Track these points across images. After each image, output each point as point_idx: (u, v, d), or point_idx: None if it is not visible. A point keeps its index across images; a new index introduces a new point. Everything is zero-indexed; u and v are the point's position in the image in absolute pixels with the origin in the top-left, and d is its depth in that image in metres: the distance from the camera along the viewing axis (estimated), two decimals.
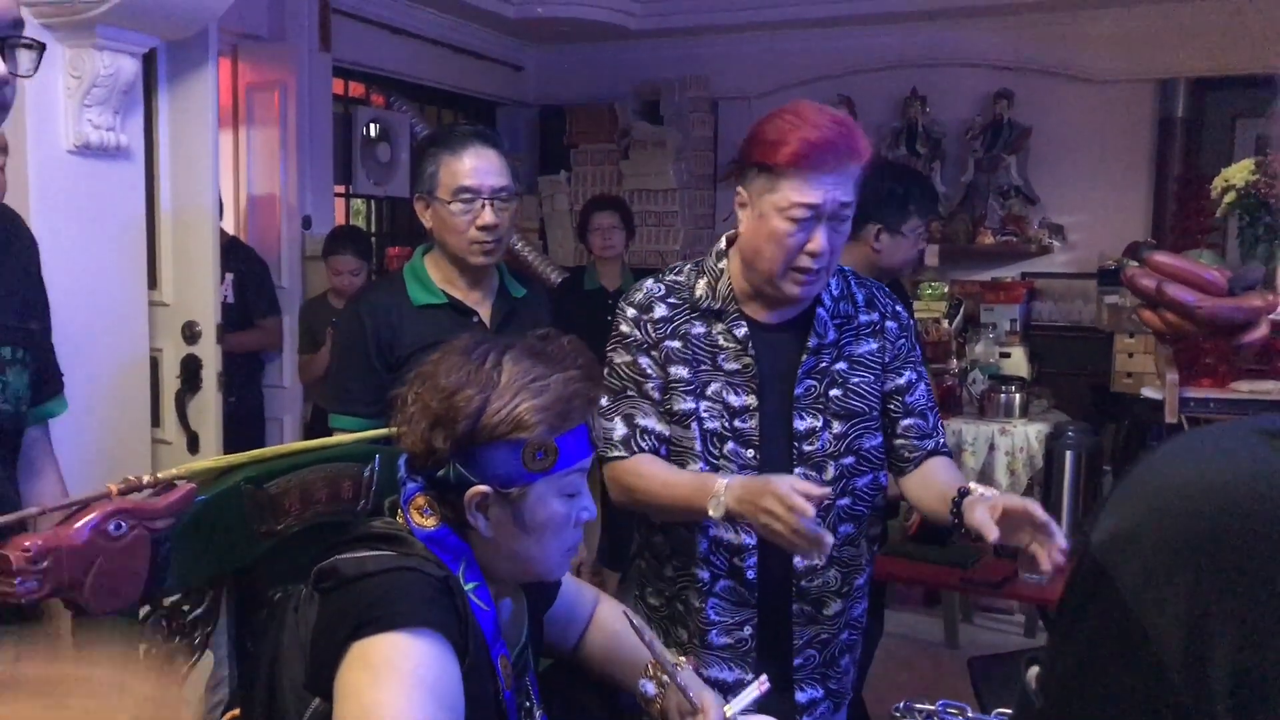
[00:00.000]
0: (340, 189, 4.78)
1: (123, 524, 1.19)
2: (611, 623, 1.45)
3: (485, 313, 2.10)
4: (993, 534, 1.43)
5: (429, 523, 1.20)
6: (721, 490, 1.51)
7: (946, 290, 4.85)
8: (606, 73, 5.53)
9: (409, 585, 1.13)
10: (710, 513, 1.51)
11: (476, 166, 2.04)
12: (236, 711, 1.25)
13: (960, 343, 4.66)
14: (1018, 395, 4.27)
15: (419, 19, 4.84)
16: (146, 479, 1.25)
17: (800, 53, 5.16)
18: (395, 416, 1.23)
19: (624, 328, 1.69)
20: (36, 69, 1.42)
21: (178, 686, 1.09)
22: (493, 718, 1.20)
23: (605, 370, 1.68)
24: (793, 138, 1.53)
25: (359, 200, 5.30)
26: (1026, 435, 4.12)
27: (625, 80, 5.47)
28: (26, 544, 1.11)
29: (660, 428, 1.63)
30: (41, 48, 1.40)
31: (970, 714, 1.44)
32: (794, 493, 1.41)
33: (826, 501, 1.52)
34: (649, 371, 1.65)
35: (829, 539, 1.44)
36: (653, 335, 1.66)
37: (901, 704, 1.45)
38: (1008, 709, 1.45)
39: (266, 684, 1.19)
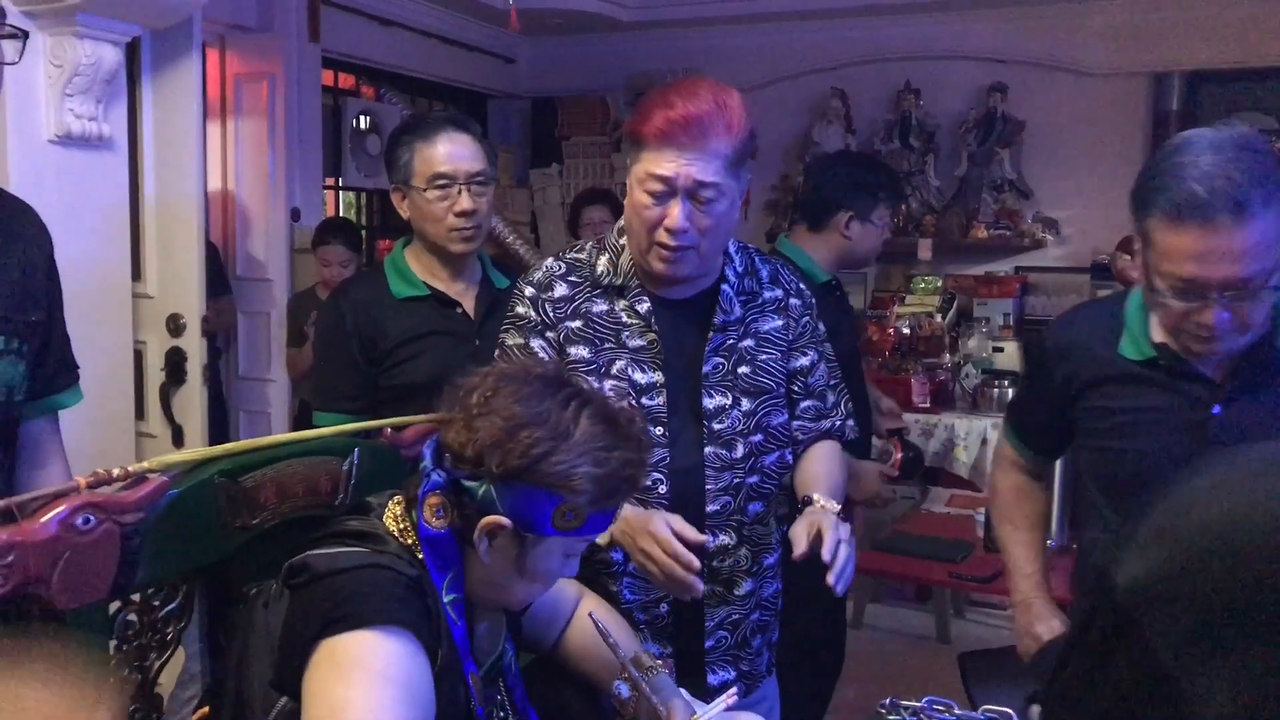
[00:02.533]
0: (330, 181, 4.75)
1: (91, 518, 1.16)
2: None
3: (469, 304, 2.07)
4: (799, 549, 1.48)
5: (438, 524, 1.17)
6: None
7: (940, 284, 4.84)
8: (598, 64, 5.50)
9: (380, 583, 1.10)
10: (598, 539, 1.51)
11: (451, 152, 2.00)
12: (206, 710, 1.23)
13: (953, 337, 4.64)
14: (1011, 390, 4.25)
15: (409, 9, 4.80)
16: (116, 472, 1.22)
17: (793, 45, 5.13)
18: (452, 404, 1.19)
19: (520, 309, 1.66)
20: (21, 57, 1.40)
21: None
22: None
23: (497, 352, 1.67)
24: (656, 112, 1.53)
25: (349, 193, 5.27)
26: None
27: (617, 72, 5.43)
28: None
29: None
30: (25, 36, 1.39)
31: (957, 710, 1.42)
32: (671, 538, 1.45)
33: (704, 544, 1.53)
34: (541, 355, 1.62)
35: (699, 586, 1.48)
36: (551, 316, 1.64)
37: (888, 700, 1.43)
38: (997, 707, 1.44)
39: (235, 682, 1.16)
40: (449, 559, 1.18)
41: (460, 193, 1.99)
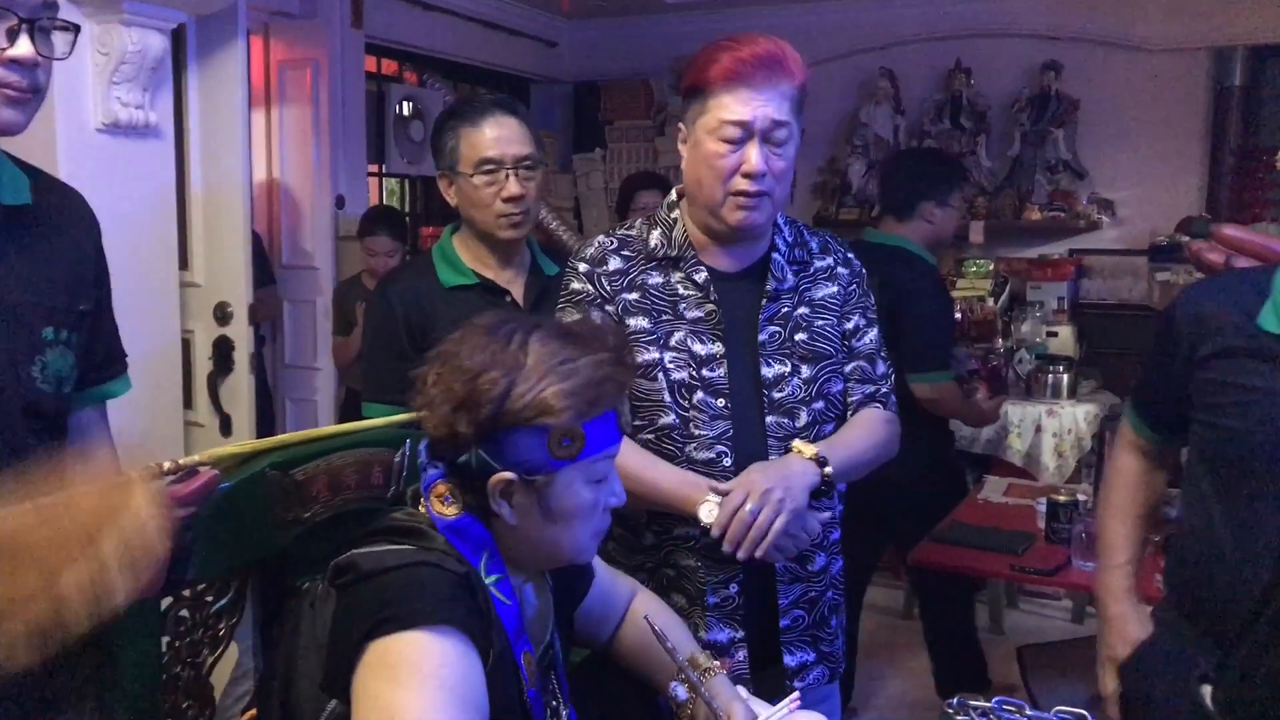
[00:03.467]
0: (373, 168, 4.74)
1: None
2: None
3: (518, 292, 2.04)
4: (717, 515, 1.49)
5: (450, 511, 1.14)
6: (716, 498, 1.51)
7: (992, 268, 4.73)
8: (641, 47, 5.44)
9: (429, 581, 1.07)
10: (702, 518, 1.50)
11: (497, 136, 1.97)
12: (254, 712, 1.20)
13: (1006, 322, 4.54)
14: (1065, 375, 4.15)
15: None
16: (168, 465, 1.20)
17: (840, 25, 5.04)
18: (416, 398, 1.17)
19: (575, 285, 1.66)
20: (72, 51, 1.38)
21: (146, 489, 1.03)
22: (517, 718, 1.14)
23: None
24: (723, 55, 1.52)
25: (392, 180, 5.26)
26: (1075, 416, 4.01)
27: (660, 55, 5.36)
28: None
29: None
30: (76, 29, 1.36)
31: (1029, 711, 1.37)
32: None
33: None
34: None
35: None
36: (607, 289, 1.63)
37: (955, 700, 1.38)
38: (1067, 707, 1.38)
39: (282, 684, 1.14)
40: (477, 540, 1.14)
41: (508, 178, 1.96)
